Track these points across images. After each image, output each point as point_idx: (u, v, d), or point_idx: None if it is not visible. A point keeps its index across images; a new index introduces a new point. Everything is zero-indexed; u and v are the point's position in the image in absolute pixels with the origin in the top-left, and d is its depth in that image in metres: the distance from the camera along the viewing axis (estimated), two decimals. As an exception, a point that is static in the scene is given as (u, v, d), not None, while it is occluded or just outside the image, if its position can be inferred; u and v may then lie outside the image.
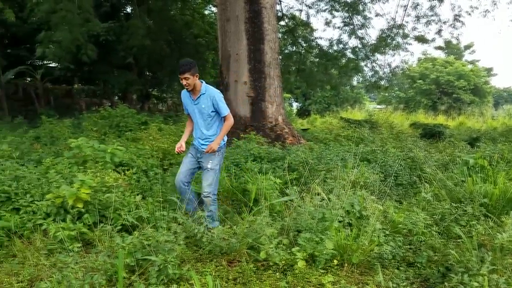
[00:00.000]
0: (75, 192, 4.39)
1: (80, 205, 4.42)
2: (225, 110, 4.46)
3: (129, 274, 3.33)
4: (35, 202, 4.70)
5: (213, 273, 3.51)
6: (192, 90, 4.44)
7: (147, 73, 25.38)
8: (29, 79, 22.69)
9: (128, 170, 6.37)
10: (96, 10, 15.94)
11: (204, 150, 4.46)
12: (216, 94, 4.43)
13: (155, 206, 4.70)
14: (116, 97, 25.84)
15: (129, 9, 22.54)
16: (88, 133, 10.28)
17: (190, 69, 4.26)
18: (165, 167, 7.27)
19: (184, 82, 4.30)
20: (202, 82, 4.45)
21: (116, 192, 4.74)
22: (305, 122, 22.75)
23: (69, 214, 4.40)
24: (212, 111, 4.44)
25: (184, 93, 4.62)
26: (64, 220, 4.31)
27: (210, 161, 4.45)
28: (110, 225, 3.97)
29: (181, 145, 4.61)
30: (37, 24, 16.79)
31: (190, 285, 3.27)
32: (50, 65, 22.00)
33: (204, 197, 4.43)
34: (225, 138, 4.61)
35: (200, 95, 4.41)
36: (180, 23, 20.34)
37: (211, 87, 4.50)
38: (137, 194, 5.10)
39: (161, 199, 4.64)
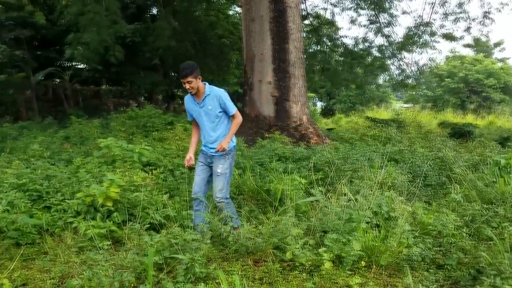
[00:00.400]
0: (105, 191, 4.47)
1: (109, 204, 4.50)
2: (233, 109, 4.33)
3: (157, 272, 3.37)
4: (66, 200, 4.82)
5: (240, 273, 3.52)
6: (196, 94, 4.28)
7: (172, 74, 25.59)
8: (58, 80, 23.23)
9: (155, 169, 6.46)
10: (122, 11, 16.15)
11: (213, 153, 4.36)
12: (222, 93, 4.32)
13: (181, 205, 4.75)
14: (142, 98, 26.21)
15: (154, 11, 22.80)
16: (116, 133, 10.48)
17: (192, 72, 4.11)
18: (191, 166, 7.32)
19: (187, 86, 4.15)
20: (205, 84, 4.31)
21: (144, 191, 4.81)
22: (329, 121, 22.58)
23: (98, 212, 4.51)
24: (220, 112, 4.32)
25: (187, 98, 4.47)
26: (94, 218, 4.41)
27: (220, 165, 4.33)
28: (139, 223, 4.03)
29: (190, 157, 4.49)
30: (66, 26, 17.10)
31: (217, 284, 3.29)
32: (79, 66, 22.45)
33: (218, 202, 4.35)
34: (234, 140, 4.50)
35: (205, 96, 4.28)
36: (205, 23, 20.46)
37: (214, 87, 4.37)
38: (164, 193, 5.17)
39: (187, 198, 4.67)
